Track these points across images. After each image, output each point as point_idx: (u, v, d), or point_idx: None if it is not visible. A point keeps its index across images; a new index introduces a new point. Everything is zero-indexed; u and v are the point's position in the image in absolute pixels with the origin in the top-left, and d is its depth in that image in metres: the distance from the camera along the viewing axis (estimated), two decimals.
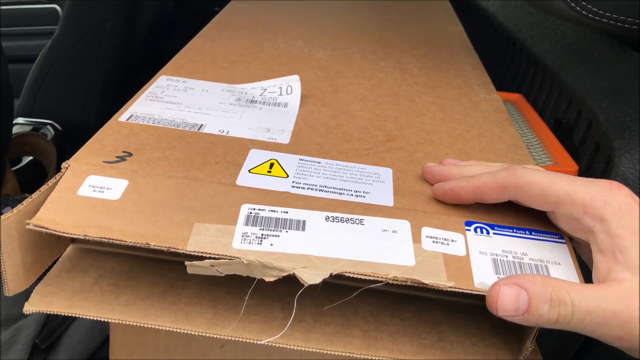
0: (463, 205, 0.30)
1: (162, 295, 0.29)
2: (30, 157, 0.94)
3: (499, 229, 0.28)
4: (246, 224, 0.27)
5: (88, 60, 1.04)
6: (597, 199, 0.25)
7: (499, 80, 0.49)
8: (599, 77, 0.47)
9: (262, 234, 0.26)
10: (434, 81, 0.47)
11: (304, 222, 0.27)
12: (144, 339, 0.42)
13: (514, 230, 0.28)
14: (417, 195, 0.31)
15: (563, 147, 0.47)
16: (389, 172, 0.33)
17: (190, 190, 0.29)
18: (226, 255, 0.25)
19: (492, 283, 0.25)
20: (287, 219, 0.28)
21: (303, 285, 0.25)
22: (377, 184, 0.31)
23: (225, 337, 0.27)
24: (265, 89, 0.43)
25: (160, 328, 0.27)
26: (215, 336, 0.27)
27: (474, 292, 0.25)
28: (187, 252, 0.25)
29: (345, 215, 0.28)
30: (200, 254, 0.25)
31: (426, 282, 0.24)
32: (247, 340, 0.27)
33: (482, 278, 0.25)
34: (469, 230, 0.28)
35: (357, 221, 0.28)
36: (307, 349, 0.27)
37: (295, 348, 0.27)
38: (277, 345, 0.27)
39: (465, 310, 0.31)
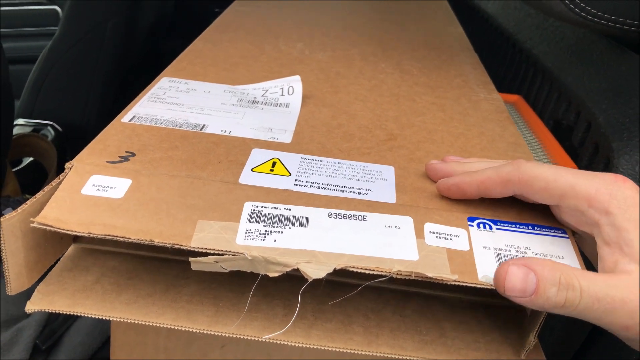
0: (465, 201, 0.30)
1: (164, 294, 0.30)
2: (31, 158, 0.94)
3: (501, 224, 0.28)
4: (249, 221, 0.27)
5: (88, 61, 1.04)
6: (602, 192, 0.25)
7: (498, 81, 0.49)
8: (599, 78, 0.47)
9: (266, 230, 0.27)
10: (434, 82, 0.48)
11: (307, 218, 0.28)
12: (144, 339, 0.42)
13: (517, 226, 0.28)
14: (419, 192, 0.31)
15: (562, 148, 0.47)
16: (391, 169, 0.33)
17: (194, 188, 0.29)
18: (230, 251, 0.25)
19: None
20: (290, 215, 0.28)
21: (305, 283, 0.25)
22: (380, 181, 0.31)
23: (227, 335, 0.27)
24: (267, 90, 0.43)
25: (161, 326, 0.27)
26: (217, 334, 0.27)
27: (478, 286, 0.25)
28: (191, 249, 0.25)
29: (348, 212, 0.28)
30: (204, 250, 0.25)
31: (430, 275, 0.24)
32: (249, 338, 0.27)
33: (486, 272, 0.25)
34: (472, 225, 0.28)
35: (360, 217, 0.28)
36: (308, 346, 0.27)
37: (297, 345, 0.27)
38: (278, 342, 0.27)
39: (466, 307, 0.31)
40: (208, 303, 0.29)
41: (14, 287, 0.27)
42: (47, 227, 0.26)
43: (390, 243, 0.26)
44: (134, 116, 0.36)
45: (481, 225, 0.28)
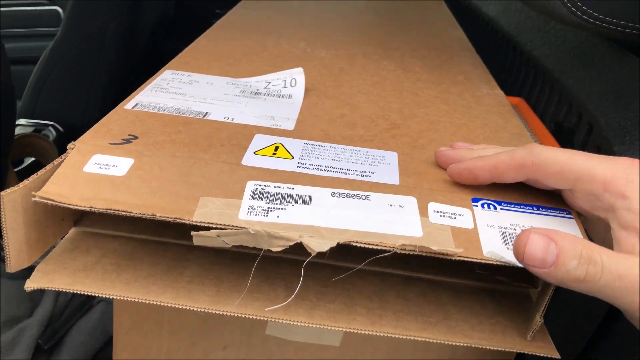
0: (470, 185, 0.30)
1: (165, 274, 0.29)
2: (32, 159, 0.94)
3: (505, 205, 0.28)
4: (252, 198, 0.27)
5: (90, 62, 1.05)
6: (619, 176, 0.24)
7: (499, 84, 0.49)
8: (600, 81, 0.48)
9: (269, 207, 0.26)
10: (436, 78, 0.48)
11: (310, 197, 0.27)
12: (147, 340, 0.42)
13: (521, 207, 0.28)
14: (423, 175, 0.31)
15: None
16: (394, 155, 0.33)
17: (196, 168, 0.29)
18: (232, 226, 0.25)
19: (502, 253, 0.24)
20: (293, 194, 0.28)
21: (307, 263, 0.25)
22: (383, 165, 0.31)
23: (228, 313, 0.27)
24: (269, 82, 0.43)
25: (162, 304, 0.27)
26: (218, 312, 0.27)
27: (483, 261, 0.25)
28: (193, 223, 0.25)
29: (351, 192, 0.28)
30: (206, 224, 0.25)
31: (434, 248, 0.24)
32: (250, 317, 0.27)
33: (491, 248, 0.25)
34: (476, 206, 0.28)
35: (364, 197, 0.28)
36: (310, 325, 0.27)
37: (299, 324, 0.27)
38: (280, 320, 0.27)
39: (471, 292, 0.30)
40: (209, 284, 0.29)
41: (13, 264, 0.27)
42: (49, 201, 0.26)
43: (394, 220, 0.26)
44: (137, 104, 0.36)
45: (485, 205, 0.28)
